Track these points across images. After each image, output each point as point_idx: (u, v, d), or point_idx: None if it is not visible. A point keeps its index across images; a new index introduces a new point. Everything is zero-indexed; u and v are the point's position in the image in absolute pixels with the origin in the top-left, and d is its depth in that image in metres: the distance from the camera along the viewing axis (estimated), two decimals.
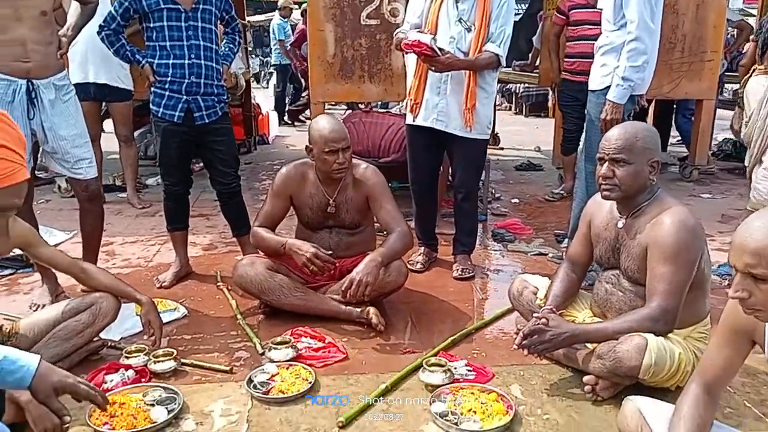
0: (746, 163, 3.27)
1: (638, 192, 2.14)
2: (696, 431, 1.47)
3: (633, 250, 2.15)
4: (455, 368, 2.32)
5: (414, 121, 3.24)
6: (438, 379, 2.23)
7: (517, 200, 5.05)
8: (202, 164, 4.93)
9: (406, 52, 3.08)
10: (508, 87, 10.91)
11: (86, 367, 2.32)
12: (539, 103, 10.78)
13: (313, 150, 2.74)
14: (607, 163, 2.13)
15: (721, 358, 1.53)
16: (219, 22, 3.11)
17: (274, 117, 8.88)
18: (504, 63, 3.15)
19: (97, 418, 2.00)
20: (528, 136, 8.38)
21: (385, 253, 2.68)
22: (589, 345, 2.23)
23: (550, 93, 9.99)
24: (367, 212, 2.91)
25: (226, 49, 3.17)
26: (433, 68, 3.02)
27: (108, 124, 4.88)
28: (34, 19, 2.58)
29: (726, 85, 6.93)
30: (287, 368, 2.32)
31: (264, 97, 10.36)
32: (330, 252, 2.71)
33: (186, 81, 2.95)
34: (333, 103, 7.03)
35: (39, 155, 2.99)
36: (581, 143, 3.33)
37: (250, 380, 2.23)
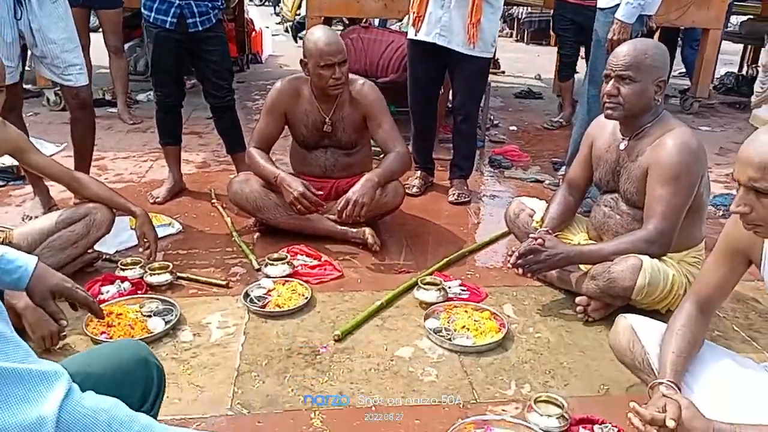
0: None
1: (642, 112, 2.09)
2: (687, 347, 1.49)
3: (633, 172, 2.13)
4: (449, 287, 2.35)
5: (416, 35, 3.13)
6: (432, 297, 2.25)
7: (515, 128, 4.99)
8: (193, 81, 4.82)
9: None
10: (510, 12, 10.57)
11: (82, 279, 2.31)
12: (542, 30, 10.47)
13: (308, 64, 2.64)
14: (612, 80, 2.08)
15: (717, 276, 1.54)
16: None
17: (268, 34, 8.59)
18: None
19: (94, 328, 2.02)
20: (529, 64, 8.20)
21: (382, 173, 2.65)
22: (583, 267, 2.25)
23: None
24: (364, 131, 2.85)
25: None
26: None
27: (96, 38, 4.68)
28: None
29: (732, 18, 6.75)
30: (283, 284, 2.34)
31: (258, 13, 10.00)
32: (324, 182, 2.66)
33: None
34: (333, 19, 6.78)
35: (28, 60, 2.87)
36: (587, 66, 3.25)
37: (247, 294, 2.25)
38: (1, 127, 2.14)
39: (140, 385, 1.11)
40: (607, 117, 2.16)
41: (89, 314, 2.02)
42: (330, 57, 2.56)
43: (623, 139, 2.19)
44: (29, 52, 2.74)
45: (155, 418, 1.13)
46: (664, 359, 1.49)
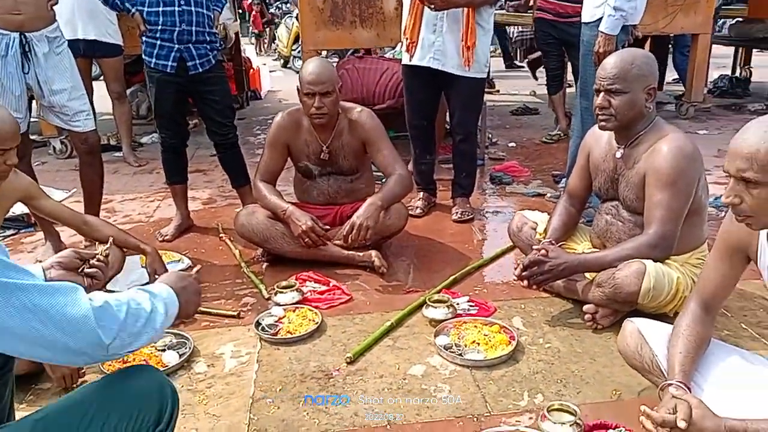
0: None
1: (635, 120, 2.14)
2: (694, 347, 1.51)
3: (631, 180, 2.17)
4: (458, 304, 2.37)
5: (410, 61, 3.20)
6: (441, 314, 2.28)
7: (513, 144, 5.04)
8: (195, 121, 4.92)
9: None
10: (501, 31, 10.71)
11: None
12: (533, 48, 10.59)
13: (299, 91, 2.74)
14: (603, 93, 2.12)
15: (718, 275, 1.56)
16: None
17: (265, 71, 8.76)
18: None
19: (110, 365, 2.05)
20: (523, 81, 8.30)
21: (384, 196, 2.70)
22: (588, 275, 2.27)
23: None
24: (364, 157, 2.91)
25: None
26: (432, 6, 2.96)
27: (98, 86, 4.80)
28: None
29: (719, 20, 6.84)
30: (294, 311, 2.37)
31: (254, 51, 10.19)
32: (328, 212, 2.75)
33: (177, 29, 2.89)
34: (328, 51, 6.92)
35: (33, 111, 2.96)
36: (577, 79, 3.31)
37: (258, 323, 2.29)
38: (13, 176, 2.21)
39: (156, 404, 1.14)
40: (601, 128, 2.20)
41: None
42: (311, 86, 2.64)
43: (619, 147, 2.23)
44: (35, 103, 2.83)
45: None
46: (672, 360, 1.51)
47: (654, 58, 2.20)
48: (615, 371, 1.97)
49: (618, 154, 2.22)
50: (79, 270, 1.62)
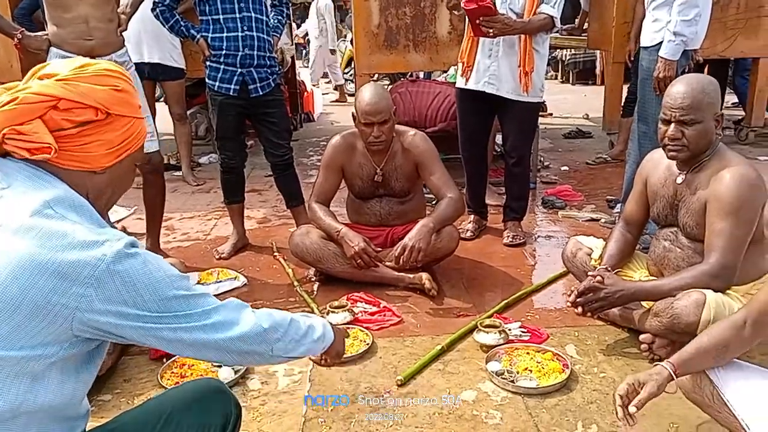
0: None
1: (705, 149, 2.10)
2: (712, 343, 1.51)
3: (692, 206, 2.12)
4: (510, 330, 2.35)
5: (465, 84, 3.23)
6: (493, 340, 2.26)
7: (566, 168, 4.99)
8: (251, 142, 5.07)
9: (463, 10, 2.97)
10: (553, 54, 10.66)
11: None
12: (587, 71, 10.52)
13: (356, 118, 2.79)
14: (674, 124, 2.08)
15: None
16: None
17: (318, 94, 8.94)
18: (558, 25, 3.11)
19: (168, 379, 2.12)
20: (576, 104, 8.22)
21: (436, 218, 2.72)
22: (645, 304, 2.22)
23: (599, 59, 9.74)
24: (416, 180, 2.94)
25: (275, 21, 3.21)
26: (491, 32, 2.96)
27: (159, 107, 5.01)
28: None
29: None
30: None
31: (308, 74, 10.43)
32: (380, 235, 2.79)
33: (240, 53, 3.01)
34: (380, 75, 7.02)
35: None
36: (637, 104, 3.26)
37: None
38: None
39: (220, 415, 1.18)
40: (671, 158, 2.16)
41: (162, 367, 2.15)
42: (369, 116, 2.70)
43: (680, 173, 2.19)
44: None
45: None
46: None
47: (717, 83, 2.16)
48: (673, 403, 1.91)
49: (679, 180, 2.18)
50: None
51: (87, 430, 1.17)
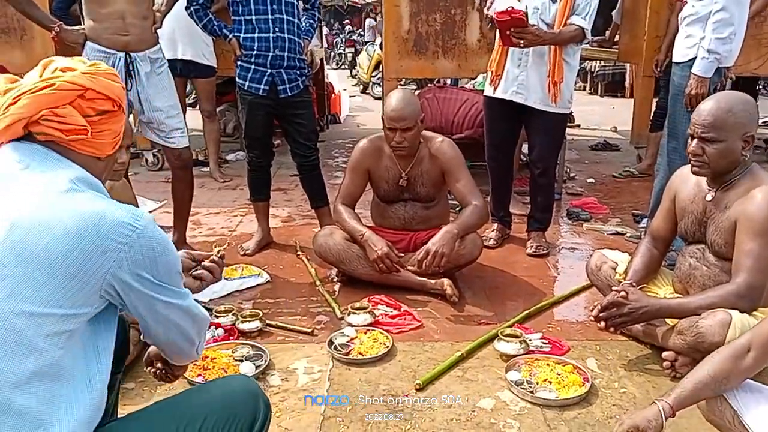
0: None
1: (729, 168, 2.08)
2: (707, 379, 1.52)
3: (721, 224, 2.10)
4: (530, 340, 2.35)
5: (493, 93, 3.23)
6: (513, 350, 2.26)
7: (592, 180, 4.95)
8: (278, 142, 5.11)
9: (496, 21, 2.97)
10: (582, 65, 10.59)
11: None
12: (615, 83, 10.43)
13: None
14: (696, 140, 2.07)
15: None
16: None
17: (345, 96, 9.00)
18: (589, 37, 3.09)
19: (190, 371, 2.15)
20: (604, 117, 8.15)
21: (460, 225, 2.72)
22: (669, 321, 2.20)
23: (628, 72, 9.66)
24: (441, 186, 2.95)
25: (307, 25, 3.25)
26: (522, 43, 2.96)
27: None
28: None
29: None
30: (365, 332, 2.42)
31: (336, 76, 10.51)
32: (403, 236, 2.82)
33: (271, 54, 3.05)
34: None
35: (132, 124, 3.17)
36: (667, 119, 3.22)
37: (331, 342, 2.34)
38: (125, 188, 2.37)
39: (250, 412, 1.21)
40: (695, 174, 2.15)
41: None
42: (393, 122, 2.72)
43: (710, 190, 2.17)
44: (132, 117, 3.02)
45: None
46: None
47: (755, 104, 2.13)
48: (693, 423, 1.89)
49: (708, 197, 2.16)
50: (191, 271, 1.60)
51: (116, 417, 1.20)
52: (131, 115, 3.04)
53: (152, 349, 1.42)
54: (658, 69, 4.68)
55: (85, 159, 1.14)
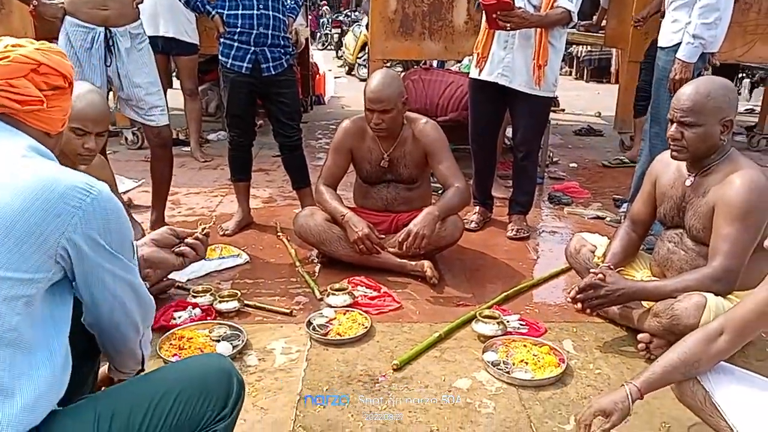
0: None
1: (708, 153, 2.09)
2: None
3: (700, 209, 2.12)
4: (508, 321, 2.36)
5: (479, 75, 3.21)
6: (491, 331, 2.27)
7: (575, 165, 4.97)
8: (261, 122, 5.06)
9: (483, 5, 2.96)
10: (569, 50, 10.59)
11: (156, 304, 2.43)
12: (601, 69, 10.45)
13: None
14: (675, 124, 2.08)
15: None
16: None
17: (330, 77, 8.92)
18: (576, 19, 3.08)
19: (166, 350, 2.14)
20: (588, 102, 8.17)
21: (442, 207, 2.71)
22: (645, 304, 2.22)
23: (614, 58, 9.67)
24: (424, 168, 2.94)
25: (292, 3, 3.19)
26: (508, 26, 2.95)
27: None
28: None
29: None
30: (344, 313, 2.41)
31: (321, 57, 10.40)
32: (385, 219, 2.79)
33: (254, 32, 3.00)
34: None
35: (111, 102, 3.12)
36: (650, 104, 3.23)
37: (309, 322, 2.33)
38: (104, 166, 2.33)
39: (224, 390, 1.20)
40: (674, 158, 2.16)
41: (162, 338, 2.16)
42: (372, 104, 2.71)
43: (689, 175, 2.18)
44: (111, 95, 2.97)
45: (234, 422, 1.23)
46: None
47: (734, 89, 2.14)
48: (665, 404, 1.91)
49: (688, 182, 2.17)
50: (174, 248, 1.59)
51: (89, 393, 1.20)
52: (110, 93, 2.99)
53: (102, 370, 1.44)
54: (640, 21, 4.59)
55: (37, 134, 1.16)
